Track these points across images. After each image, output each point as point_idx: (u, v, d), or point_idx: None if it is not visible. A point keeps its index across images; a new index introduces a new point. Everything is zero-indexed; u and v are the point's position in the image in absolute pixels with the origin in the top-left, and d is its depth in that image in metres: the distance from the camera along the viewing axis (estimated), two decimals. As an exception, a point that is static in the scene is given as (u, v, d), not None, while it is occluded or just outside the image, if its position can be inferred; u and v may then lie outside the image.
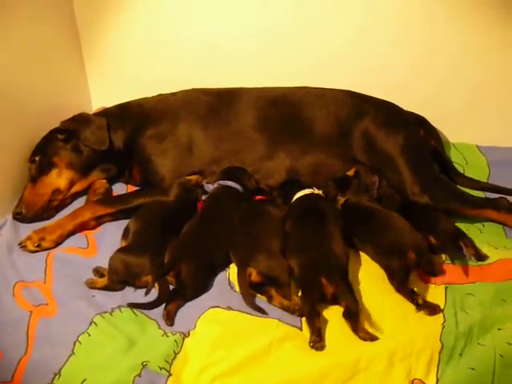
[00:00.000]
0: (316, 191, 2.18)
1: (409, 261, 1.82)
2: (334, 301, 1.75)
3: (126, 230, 2.07)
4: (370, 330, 1.68)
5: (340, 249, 1.88)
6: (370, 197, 2.19)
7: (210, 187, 2.27)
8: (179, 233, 2.03)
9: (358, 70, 2.63)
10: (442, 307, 1.74)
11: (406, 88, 2.59)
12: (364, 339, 1.65)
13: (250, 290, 1.82)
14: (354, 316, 1.68)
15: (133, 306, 1.81)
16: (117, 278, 1.88)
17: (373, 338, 1.65)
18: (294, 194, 2.17)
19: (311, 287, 1.76)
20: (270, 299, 1.81)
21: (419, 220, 2.01)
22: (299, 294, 1.81)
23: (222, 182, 2.25)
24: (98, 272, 1.96)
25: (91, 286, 1.90)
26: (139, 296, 1.85)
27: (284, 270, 1.84)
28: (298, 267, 1.83)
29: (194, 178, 2.31)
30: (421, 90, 2.60)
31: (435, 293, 1.81)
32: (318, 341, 1.64)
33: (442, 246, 1.96)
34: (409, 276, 1.82)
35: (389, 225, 1.97)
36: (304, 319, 1.73)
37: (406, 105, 2.50)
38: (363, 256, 2.00)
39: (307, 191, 2.17)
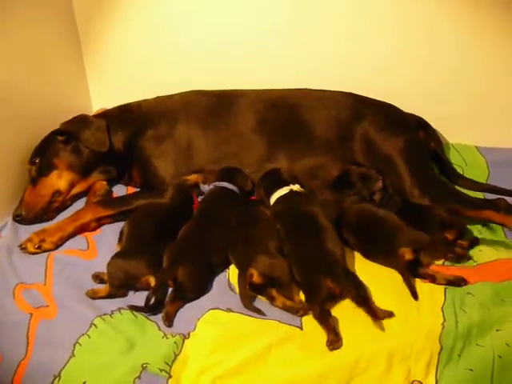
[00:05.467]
0: (295, 188, 2.17)
1: (402, 259, 1.84)
2: (342, 296, 1.76)
3: (121, 234, 2.07)
4: (370, 330, 1.68)
5: (336, 245, 1.89)
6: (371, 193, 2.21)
7: (206, 188, 2.27)
8: (176, 233, 2.03)
9: (358, 71, 2.63)
10: (440, 306, 1.74)
11: (406, 90, 2.59)
12: (384, 318, 1.67)
13: (250, 292, 1.82)
14: (366, 303, 1.70)
15: (133, 308, 1.81)
16: (118, 282, 1.87)
17: (390, 314, 1.69)
18: (275, 189, 2.17)
19: (317, 290, 1.75)
20: (271, 300, 1.80)
21: (420, 221, 2.03)
22: (301, 296, 1.82)
23: (217, 183, 2.25)
24: (97, 277, 1.95)
25: (93, 296, 1.88)
26: (139, 298, 1.85)
27: (285, 270, 1.83)
28: (300, 273, 1.83)
29: (192, 177, 2.31)
30: (421, 91, 2.60)
31: (434, 291, 1.81)
32: (336, 340, 1.65)
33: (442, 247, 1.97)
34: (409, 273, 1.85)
35: (382, 228, 1.99)
36: (304, 318, 1.74)
37: (406, 106, 2.50)
38: (360, 256, 2.01)
39: (286, 190, 2.16)
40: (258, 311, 1.77)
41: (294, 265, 1.85)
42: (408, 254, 1.85)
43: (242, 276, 1.82)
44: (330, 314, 1.72)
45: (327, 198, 2.19)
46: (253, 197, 2.30)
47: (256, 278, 1.80)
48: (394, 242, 1.90)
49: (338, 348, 1.64)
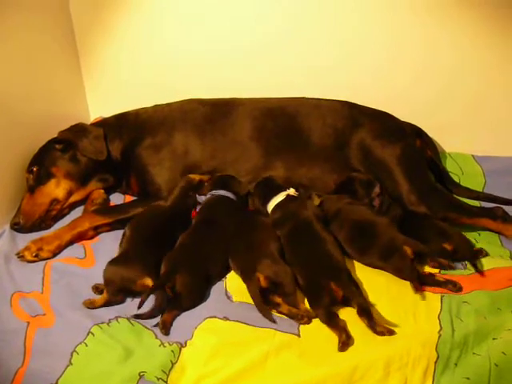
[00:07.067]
0: (291, 193, 2.18)
1: (407, 255, 1.86)
2: (344, 302, 1.76)
3: (122, 238, 2.08)
4: (367, 338, 1.67)
5: (336, 251, 1.90)
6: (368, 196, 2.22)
7: (202, 198, 2.27)
8: (174, 239, 2.04)
9: (355, 80, 2.64)
10: (437, 314, 1.74)
11: (402, 99, 2.60)
12: (382, 334, 1.66)
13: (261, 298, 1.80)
14: (367, 313, 1.70)
15: (130, 316, 1.81)
16: (114, 288, 1.87)
17: (390, 332, 1.67)
18: (271, 197, 2.17)
19: (321, 294, 1.76)
20: (277, 307, 1.80)
21: (419, 230, 2.04)
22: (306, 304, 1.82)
23: (214, 191, 2.25)
24: (97, 289, 1.95)
25: (90, 306, 1.88)
26: (136, 306, 1.83)
27: (289, 276, 1.83)
28: (303, 278, 1.83)
29: (197, 177, 2.32)
30: (418, 100, 2.61)
31: (431, 300, 1.81)
32: (346, 342, 1.65)
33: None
34: (414, 267, 1.87)
35: (377, 230, 2.00)
36: (302, 326, 1.74)
37: (403, 115, 2.51)
38: (356, 265, 2.01)
39: (282, 195, 2.16)
40: (274, 321, 1.75)
41: (296, 270, 1.86)
42: (410, 251, 1.87)
43: (251, 281, 1.81)
44: (337, 315, 1.72)
45: (329, 196, 2.21)
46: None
47: (262, 282, 1.80)
48: (394, 242, 1.91)
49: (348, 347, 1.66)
